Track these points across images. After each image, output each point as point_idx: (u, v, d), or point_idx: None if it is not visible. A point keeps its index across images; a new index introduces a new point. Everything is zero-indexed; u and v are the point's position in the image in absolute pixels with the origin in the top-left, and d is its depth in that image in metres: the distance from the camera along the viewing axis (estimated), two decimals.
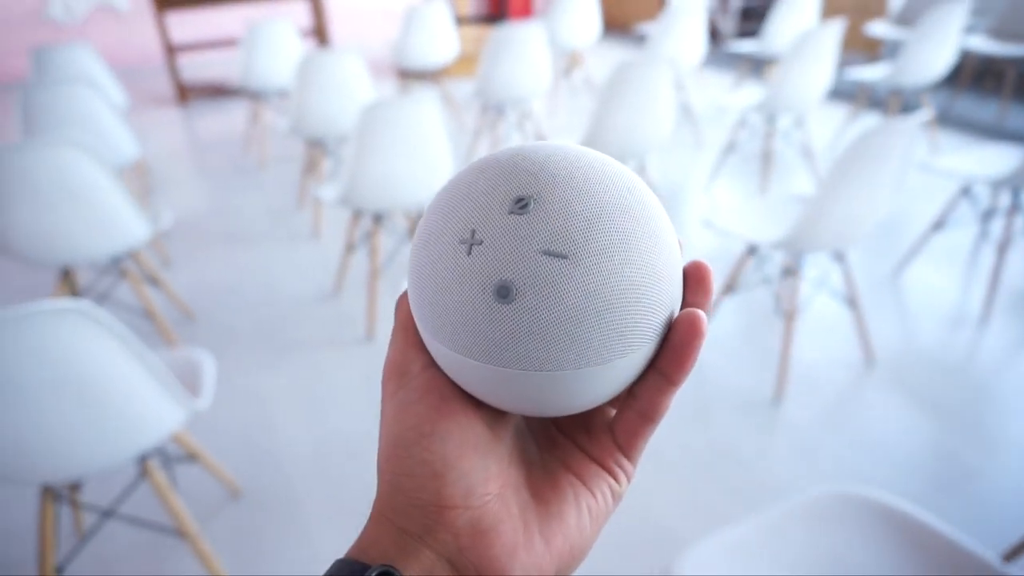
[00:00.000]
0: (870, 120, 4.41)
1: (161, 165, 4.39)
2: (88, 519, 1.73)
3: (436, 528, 0.29)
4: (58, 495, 1.43)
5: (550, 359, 0.26)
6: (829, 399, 2.07)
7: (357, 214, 2.62)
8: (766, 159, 3.47)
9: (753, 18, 6.85)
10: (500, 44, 3.49)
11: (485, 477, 0.29)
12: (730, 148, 3.62)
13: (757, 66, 5.50)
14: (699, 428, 1.98)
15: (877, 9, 5.52)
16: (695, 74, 5.46)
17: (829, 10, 5.54)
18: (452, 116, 4.95)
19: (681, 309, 0.29)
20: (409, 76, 4.99)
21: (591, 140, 2.72)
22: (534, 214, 0.26)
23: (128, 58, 7.09)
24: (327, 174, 3.75)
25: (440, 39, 4.46)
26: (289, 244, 3.24)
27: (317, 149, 3.43)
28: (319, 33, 6.27)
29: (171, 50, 5.73)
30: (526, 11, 7.96)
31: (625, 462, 0.32)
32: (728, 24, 6.83)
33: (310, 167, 3.53)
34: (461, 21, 6.74)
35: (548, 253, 0.26)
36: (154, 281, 2.53)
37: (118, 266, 2.31)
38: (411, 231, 2.81)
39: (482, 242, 0.26)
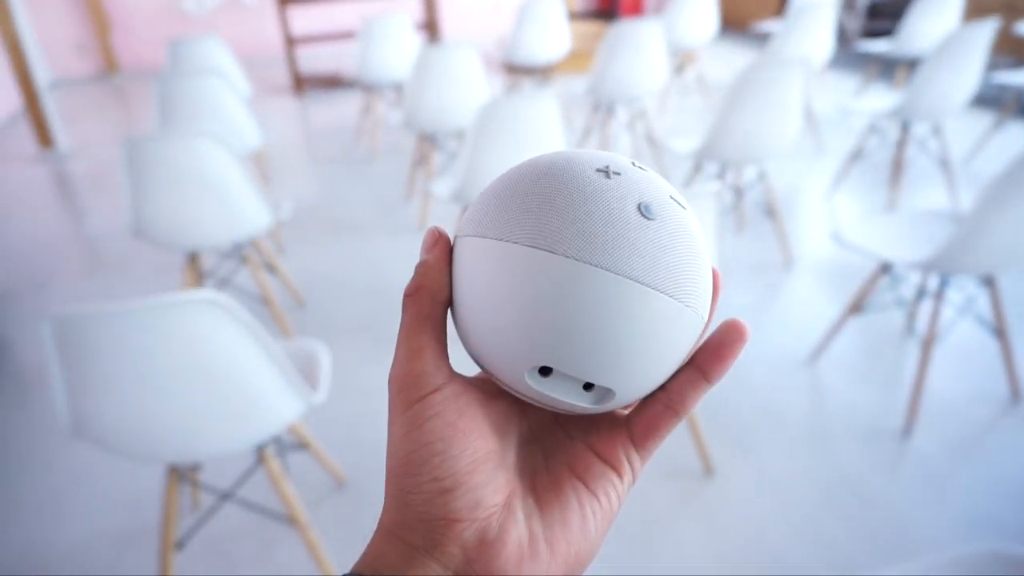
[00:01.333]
0: (1018, 129, 4.04)
1: (277, 153, 4.57)
2: (206, 500, 1.80)
3: (444, 541, 0.29)
4: (182, 475, 1.49)
5: (665, 276, 0.27)
6: (966, 435, 1.90)
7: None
8: (897, 169, 3.23)
9: (881, 16, 6.44)
10: (617, 41, 3.41)
11: (493, 489, 0.29)
12: (856, 156, 3.40)
13: (887, 68, 5.16)
14: (816, 454, 1.86)
15: None
16: (818, 76, 5.18)
17: (974, 9, 5.12)
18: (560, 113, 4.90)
19: None
20: (518, 72, 4.98)
21: (711, 144, 2.60)
22: (651, 172, 0.30)
23: (251, 48, 7.43)
24: (437, 168, 3.78)
25: (552, 35, 4.42)
26: (396, 236, 3.28)
27: (428, 143, 3.46)
28: (430, 27, 6.36)
29: (290, 42, 5.95)
30: (637, 8, 7.80)
31: (635, 457, 0.32)
32: (854, 22, 6.45)
33: (420, 160, 3.57)
34: (570, 17, 6.67)
35: (673, 199, 0.29)
36: (271, 268, 2.61)
37: (240, 252, 2.40)
38: None
39: (620, 174, 0.29)
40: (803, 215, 3.29)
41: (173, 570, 1.50)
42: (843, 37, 6.43)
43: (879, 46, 4.39)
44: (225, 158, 2.09)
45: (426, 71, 3.11)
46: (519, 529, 0.29)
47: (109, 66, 7.15)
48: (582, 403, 0.29)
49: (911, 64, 4.37)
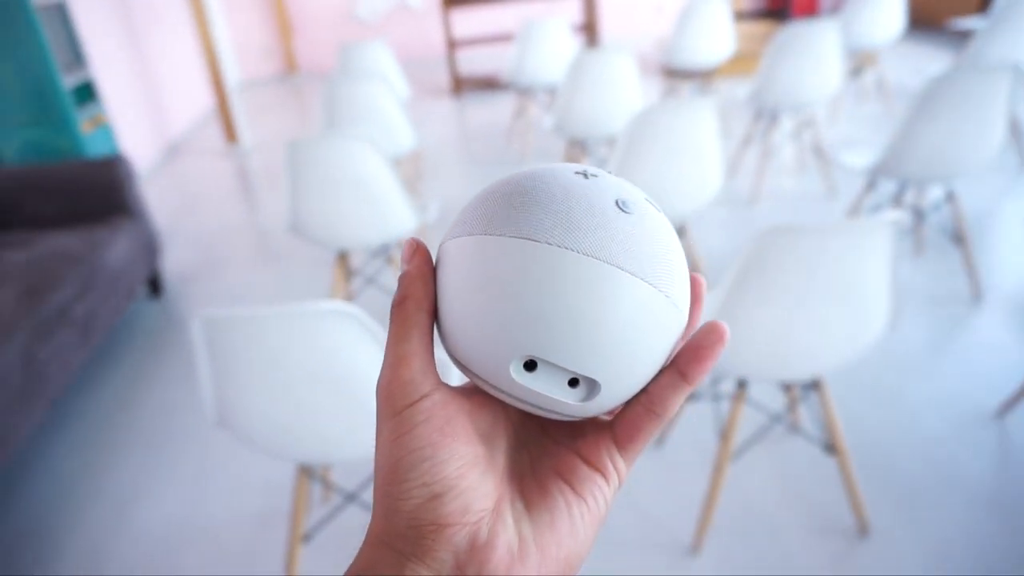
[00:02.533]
0: None
1: (432, 153, 4.70)
2: (336, 497, 1.86)
3: (434, 547, 0.29)
4: (312, 473, 1.53)
5: (644, 265, 0.28)
6: None
7: None
8: None
9: None
10: (786, 44, 3.16)
11: (483, 493, 0.30)
12: None
13: None
14: (1002, 527, 1.59)
15: None
16: None
17: None
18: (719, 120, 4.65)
19: None
20: (677, 75, 4.79)
21: (890, 158, 2.33)
22: (625, 180, 0.32)
23: (416, 51, 7.75)
24: None
25: (716, 37, 4.20)
26: None
27: (578, 148, 3.41)
28: (589, 29, 6.29)
29: (452, 44, 6.12)
30: (811, 6, 7.28)
31: (619, 460, 0.32)
32: None
33: None
34: (737, 17, 6.34)
35: (648, 201, 0.31)
36: None
37: (386, 252, 2.47)
38: None
39: (597, 176, 0.30)
40: (998, 242, 2.88)
41: (300, 560, 1.55)
42: None
43: None
44: (376, 162, 2.15)
45: (580, 76, 3.05)
46: (509, 533, 0.30)
47: (289, 67, 7.74)
48: (568, 399, 0.29)
49: None
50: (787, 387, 1.90)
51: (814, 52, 3.17)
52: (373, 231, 2.27)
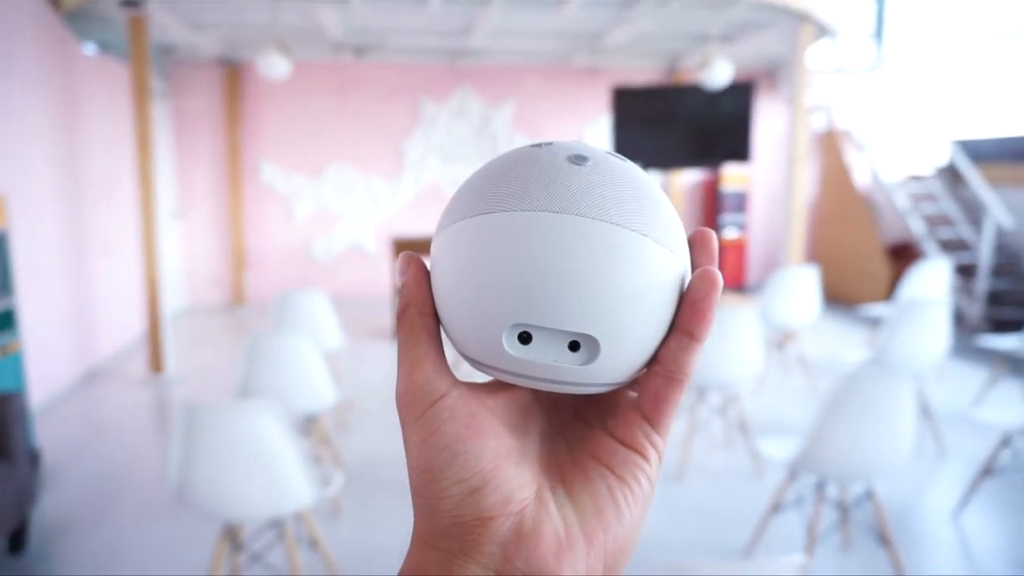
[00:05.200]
0: None
1: (363, 398, 4.57)
2: None
3: (481, 541, 0.29)
4: None
5: (608, 209, 0.29)
6: None
7: None
8: None
9: (1003, 302, 6.15)
10: None
11: (521, 483, 0.30)
12: (988, 471, 2.96)
13: (1019, 366, 4.74)
14: None
15: None
16: (935, 367, 4.83)
17: None
18: None
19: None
20: None
21: (808, 454, 2.32)
22: (588, 143, 0.33)
23: (364, 291, 7.98)
24: None
25: None
26: None
27: None
28: None
29: (397, 290, 6.34)
30: (738, 279, 7.90)
31: (654, 435, 0.32)
32: (974, 309, 6.16)
33: None
34: None
35: (610, 154, 0.31)
36: (313, 543, 2.42)
37: (279, 527, 2.25)
38: None
39: (551, 144, 0.31)
40: (923, 540, 2.81)
41: None
42: (963, 324, 6.12)
43: (1006, 343, 4.07)
44: (280, 433, 2.03)
45: None
46: (554, 521, 0.29)
47: (237, 298, 7.84)
48: (571, 364, 0.29)
49: None
50: None
51: (734, 335, 3.32)
52: (266, 504, 2.08)
